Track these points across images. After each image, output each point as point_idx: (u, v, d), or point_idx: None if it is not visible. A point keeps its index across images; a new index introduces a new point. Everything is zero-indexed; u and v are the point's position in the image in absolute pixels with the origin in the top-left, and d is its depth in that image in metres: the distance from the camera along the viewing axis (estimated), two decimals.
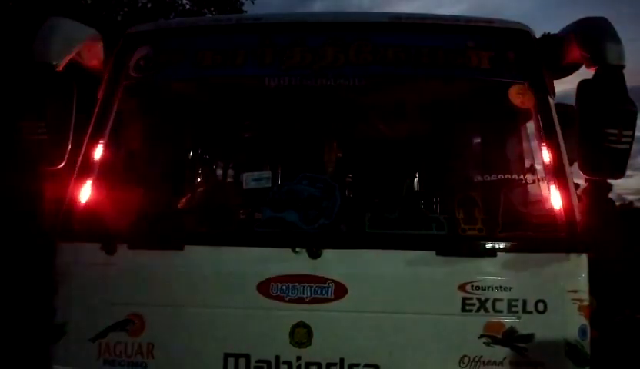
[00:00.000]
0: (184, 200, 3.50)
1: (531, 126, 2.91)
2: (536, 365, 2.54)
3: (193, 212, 3.35)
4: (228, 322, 2.62)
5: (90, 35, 2.95)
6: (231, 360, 2.59)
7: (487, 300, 2.55)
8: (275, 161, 4.05)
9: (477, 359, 2.54)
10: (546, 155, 2.75)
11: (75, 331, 2.67)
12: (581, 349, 2.55)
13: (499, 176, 2.84)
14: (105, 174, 2.92)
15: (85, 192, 2.84)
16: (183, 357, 2.63)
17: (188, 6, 12.86)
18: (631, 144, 2.51)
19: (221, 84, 3.33)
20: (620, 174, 2.55)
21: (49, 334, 2.70)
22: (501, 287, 2.56)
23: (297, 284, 2.57)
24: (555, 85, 2.94)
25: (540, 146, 2.79)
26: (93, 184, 2.86)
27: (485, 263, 2.59)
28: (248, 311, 2.61)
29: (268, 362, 2.58)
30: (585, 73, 2.67)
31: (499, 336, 2.55)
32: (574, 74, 2.94)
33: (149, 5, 12.17)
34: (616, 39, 2.57)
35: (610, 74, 2.53)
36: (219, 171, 4.41)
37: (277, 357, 2.58)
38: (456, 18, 3.09)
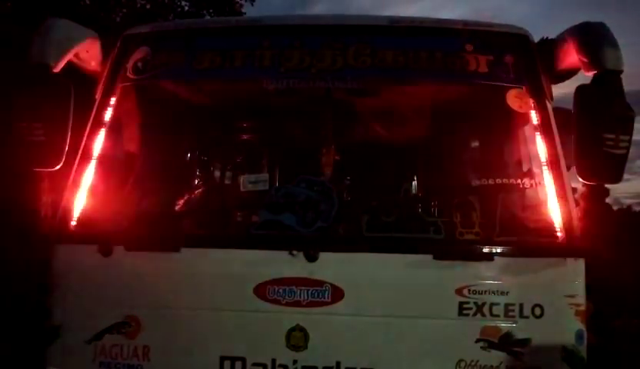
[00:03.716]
0: (181, 202, 3.49)
1: (528, 130, 2.91)
2: None
3: (190, 214, 3.34)
4: (225, 325, 2.61)
5: (88, 36, 2.94)
6: (227, 363, 2.59)
7: (484, 304, 2.54)
8: (272, 164, 4.04)
9: (473, 363, 2.54)
10: (543, 160, 2.75)
11: (71, 333, 2.66)
12: (577, 354, 2.55)
13: (497, 180, 2.84)
14: (101, 175, 2.91)
15: (82, 194, 2.83)
16: (179, 359, 2.62)
17: (186, 8, 12.87)
18: (628, 148, 2.51)
19: (219, 86, 3.33)
20: (617, 178, 2.55)
21: (45, 336, 2.69)
22: (498, 291, 2.55)
23: (294, 287, 2.56)
24: (552, 90, 2.94)
25: (537, 150, 2.79)
26: (90, 185, 2.85)
27: (482, 267, 2.59)
28: (244, 314, 2.60)
29: (264, 365, 2.57)
30: (583, 78, 2.67)
31: (496, 340, 2.54)
32: (572, 79, 2.94)
33: (148, 7, 12.17)
34: (614, 44, 2.57)
35: (608, 79, 2.54)
36: (217, 173, 4.39)
37: (273, 361, 2.57)
38: (454, 22, 3.10)
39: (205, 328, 2.62)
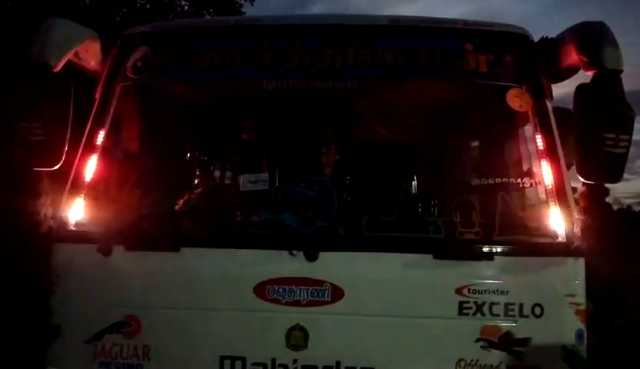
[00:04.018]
0: (181, 201, 3.49)
1: (528, 130, 2.91)
2: None
3: (190, 214, 3.34)
4: (224, 324, 2.61)
5: (88, 36, 2.94)
6: (227, 363, 2.58)
7: (484, 303, 2.54)
8: (272, 163, 4.04)
9: (473, 363, 2.54)
10: (543, 159, 2.75)
11: (71, 333, 2.66)
12: (577, 353, 2.55)
13: (497, 179, 2.84)
14: (101, 175, 2.91)
15: (82, 193, 2.83)
16: (179, 359, 2.62)
17: (186, 7, 12.88)
18: (628, 148, 2.51)
19: (219, 85, 3.33)
20: (617, 178, 2.55)
21: (44, 336, 2.69)
22: (497, 290, 2.55)
23: (293, 286, 2.56)
24: (552, 89, 2.94)
25: (537, 150, 2.79)
26: (90, 185, 2.85)
27: (482, 266, 2.59)
28: (244, 314, 2.60)
29: (264, 365, 2.57)
30: (583, 77, 2.67)
31: (496, 340, 2.54)
32: (572, 78, 2.94)
33: (148, 6, 12.18)
34: (614, 44, 2.57)
35: (608, 79, 2.53)
36: (216, 173, 4.40)
37: (273, 360, 2.57)
38: (454, 22, 3.09)
39: (204, 328, 2.62)
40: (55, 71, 2.71)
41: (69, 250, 2.72)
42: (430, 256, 2.58)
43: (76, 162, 2.86)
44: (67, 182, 2.85)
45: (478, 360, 2.54)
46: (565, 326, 2.57)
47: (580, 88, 2.58)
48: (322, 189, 2.78)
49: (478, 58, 2.89)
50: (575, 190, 2.75)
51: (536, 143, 2.80)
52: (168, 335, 2.63)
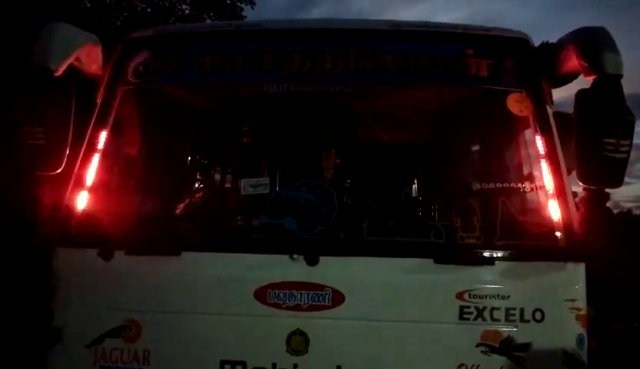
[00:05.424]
0: (182, 206, 3.49)
1: (529, 134, 2.92)
2: None
3: (191, 218, 3.34)
4: (225, 329, 2.61)
5: (89, 40, 2.94)
6: (227, 367, 2.58)
7: (484, 308, 2.54)
8: (273, 168, 4.05)
9: (474, 368, 2.53)
10: (544, 164, 2.75)
11: (71, 337, 2.66)
12: (578, 358, 2.55)
13: (497, 184, 2.85)
14: (102, 179, 2.91)
15: (83, 197, 2.83)
16: (179, 363, 2.62)
17: (187, 11, 12.90)
18: (628, 153, 2.51)
19: (220, 90, 3.33)
20: (618, 183, 2.55)
21: (45, 339, 2.69)
22: (498, 295, 2.55)
23: (294, 291, 2.56)
24: (553, 94, 2.94)
25: (538, 154, 2.80)
26: (91, 189, 2.85)
27: (483, 271, 2.59)
28: (244, 318, 2.60)
29: None
30: (584, 82, 2.68)
31: (496, 345, 2.54)
32: (572, 83, 2.95)
33: (149, 10, 12.20)
34: (614, 49, 2.57)
35: (608, 84, 2.54)
36: (217, 177, 4.40)
37: (273, 365, 2.56)
38: (455, 26, 3.10)
39: (205, 332, 2.62)
40: (56, 75, 2.71)
41: (70, 254, 2.72)
42: (431, 260, 2.58)
43: (77, 166, 2.87)
44: (68, 186, 2.85)
45: (478, 366, 2.53)
46: (565, 331, 2.56)
47: (580, 93, 2.58)
48: (323, 193, 2.78)
49: (478, 62, 2.90)
50: (575, 194, 2.75)
51: (536, 147, 2.81)
52: (169, 339, 2.63)
